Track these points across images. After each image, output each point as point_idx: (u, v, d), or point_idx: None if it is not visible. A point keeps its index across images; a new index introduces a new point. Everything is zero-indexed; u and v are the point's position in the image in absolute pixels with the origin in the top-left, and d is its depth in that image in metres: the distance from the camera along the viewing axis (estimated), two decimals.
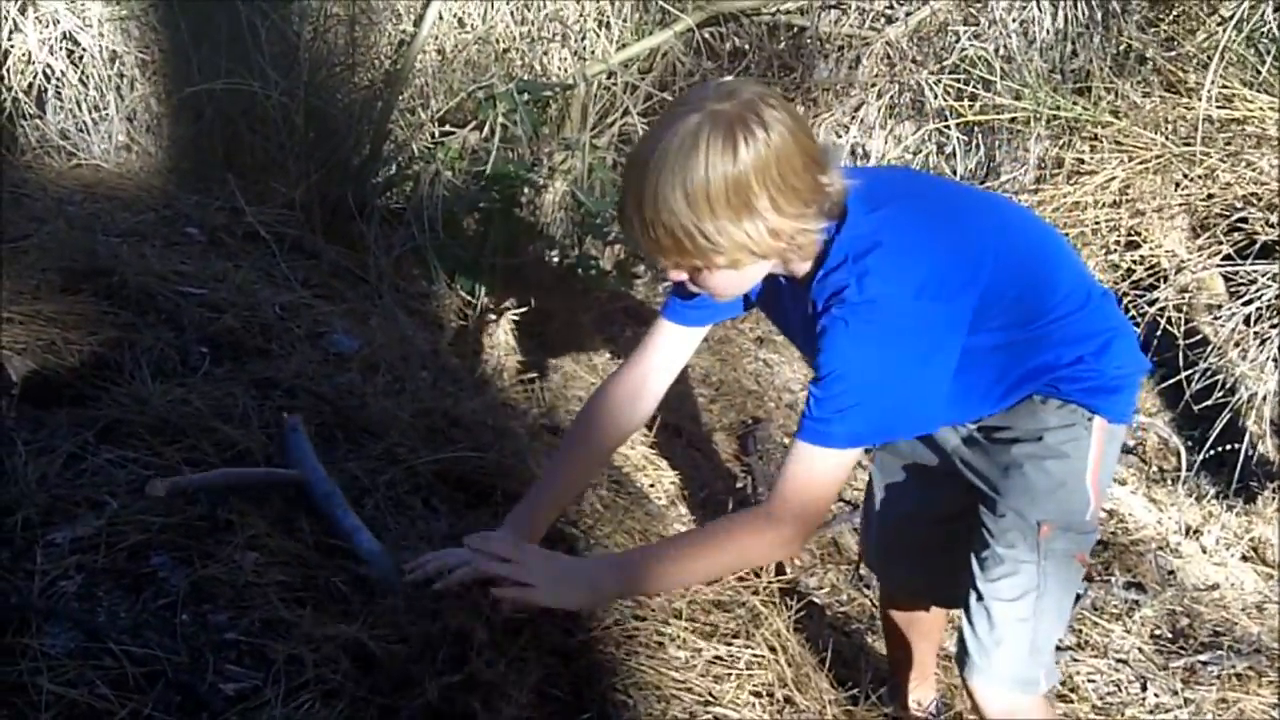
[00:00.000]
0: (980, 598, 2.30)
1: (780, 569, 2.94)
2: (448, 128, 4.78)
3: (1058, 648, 3.22)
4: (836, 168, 1.94)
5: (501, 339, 4.22)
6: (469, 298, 4.26)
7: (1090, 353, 2.18)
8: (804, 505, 1.99)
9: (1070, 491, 2.22)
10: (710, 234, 1.84)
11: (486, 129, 4.54)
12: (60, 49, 4.72)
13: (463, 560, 2.00)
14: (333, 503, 2.18)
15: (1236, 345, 5.03)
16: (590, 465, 2.45)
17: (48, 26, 4.68)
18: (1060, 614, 2.31)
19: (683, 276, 1.99)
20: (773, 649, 2.33)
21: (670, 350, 2.31)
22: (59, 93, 4.74)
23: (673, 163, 1.80)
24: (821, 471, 1.97)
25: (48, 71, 4.70)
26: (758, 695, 2.21)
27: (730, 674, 2.23)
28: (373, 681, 1.78)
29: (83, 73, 4.75)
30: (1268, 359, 4.79)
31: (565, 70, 5.27)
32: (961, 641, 2.36)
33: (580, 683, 2.01)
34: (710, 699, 2.13)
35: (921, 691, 2.97)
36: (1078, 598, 2.58)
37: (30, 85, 4.68)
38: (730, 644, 2.31)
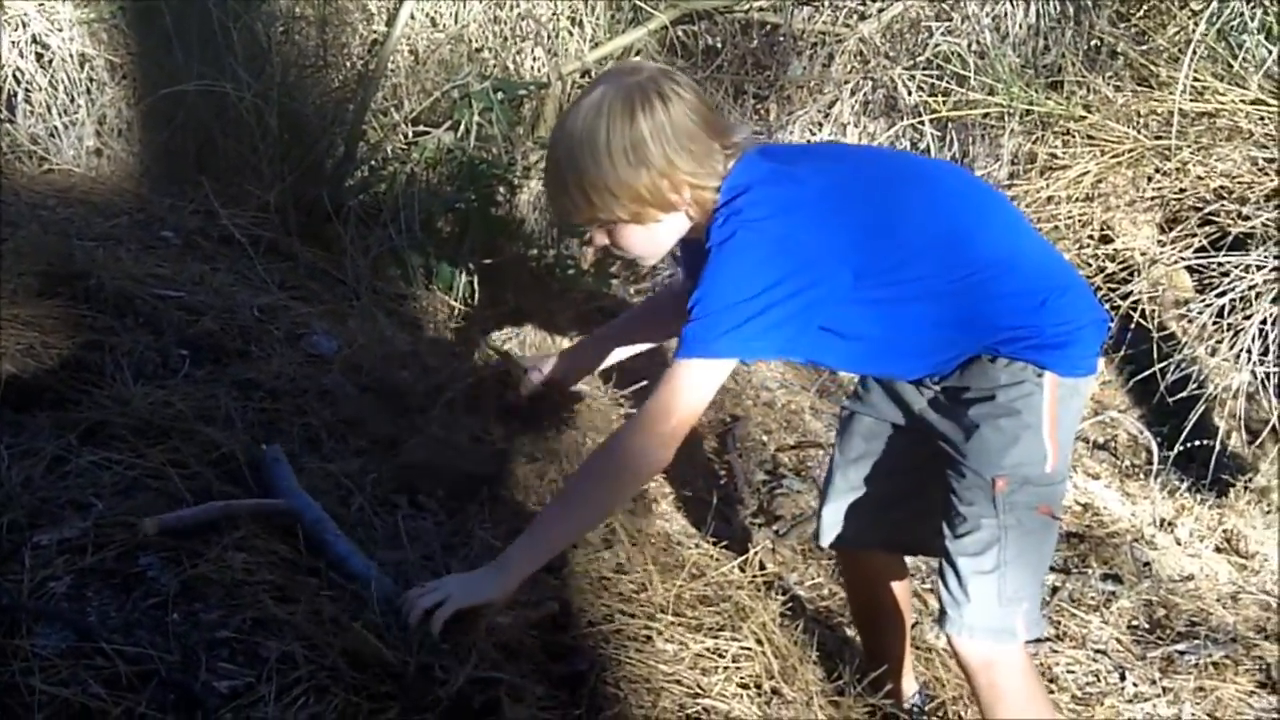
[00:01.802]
0: (948, 555, 2.38)
1: (763, 564, 2.96)
2: (422, 128, 4.76)
3: (1038, 640, 3.25)
4: (739, 140, 2.23)
5: (477, 338, 4.22)
6: (446, 298, 4.24)
7: (1028, 309, 2.26)
8: (665, 416, 2.15)
9: (1025, 446, 2.28)
10: (612, 186, 2.14)
11: (461, 129, 4.52)
12: (29, 52, 4.68)
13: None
14: (323, 528, 2.19)
15: (1207, 340, 5.07)
16: (627, 342, 2.94)
17: (17, 29, 4.64)
18: (1031, 565, 2.37)
19: (603, 240, 2.30)
20: (759, 642, 2.35)
21: None
22: (29, 97, 4.70)
23: (582, 129, 2.14)
24: (683, 383, 2.15)
25: (17, 75, 4.66)
26: (745, 687, 2.23)
27: (718, 666, 2.24)
28: (365, 678, 1.78)
29: (52, 76, 4.70)
30: (1241, 350, 4.81)
31: (539, 69, 5.26)
32: (939, 598, 2.44)
33: (571, 678, 2.02)
34: (699, 691, 2.15)
35: (904, 682, 2.98)
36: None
37: None
38: (717, 637, 2.32)
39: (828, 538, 2.75)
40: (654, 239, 2.28)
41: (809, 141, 5.81)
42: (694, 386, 2.15)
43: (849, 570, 3.00)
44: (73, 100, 4.73)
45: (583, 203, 2.20)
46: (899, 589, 2.90)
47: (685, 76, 2.23)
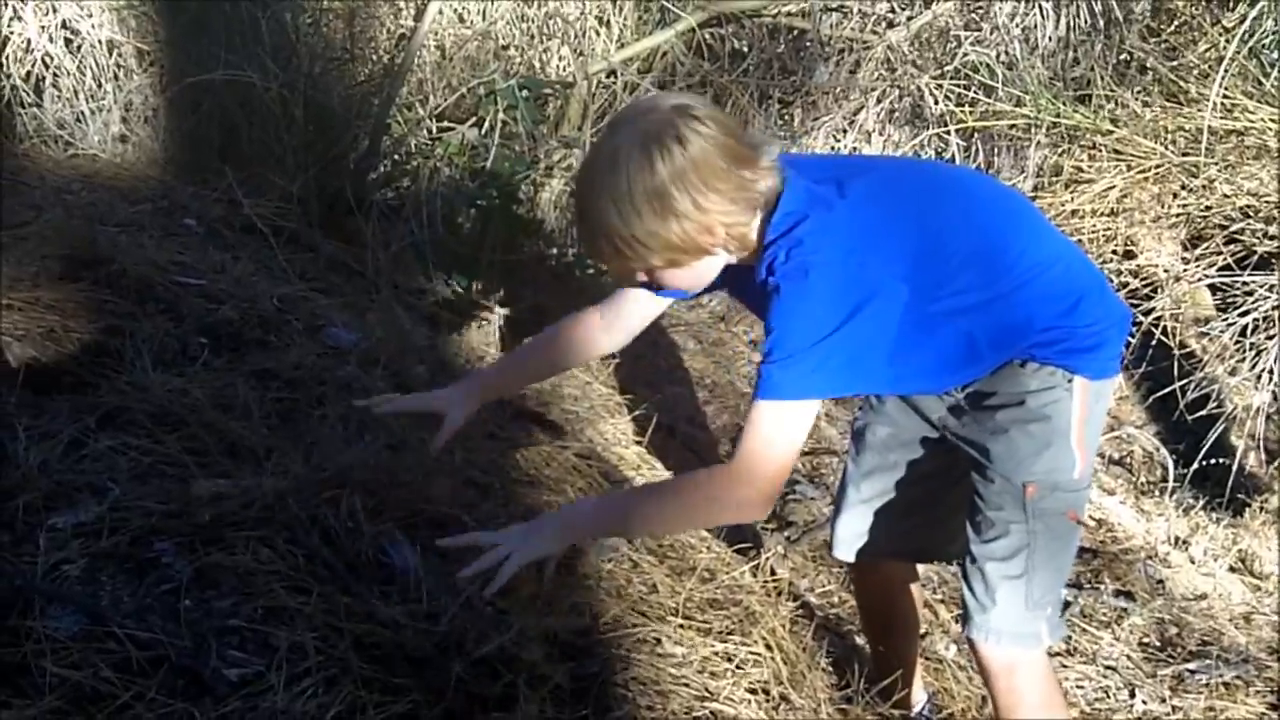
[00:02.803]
0: (975, 559, 2.37)
1: (774, 570, 2.95)
2: (446, 124, 4.77)
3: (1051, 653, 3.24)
4: (769, 162, 2.11)
5: (496, 335, 4.22)
6: (466, 293, 4.25)
7: (1060, 312, 2.24)
8: (765, 462, 2.08)
9: (1055, 452, 2.27)
10: (642, 238, 2.03)
11: (486, 125, 4.53)
12: (59, 37, 4.70)
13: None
14: None
15: (1227, 359, 5.04)
16: (547, 367, 2.73)
17: (47, 14, 4.66)
18: (1057, 569, 2.37)
19: (643, 278, 2.17)
20: (769, 647, 2.34)
21: (639, 308, 2.51)
22: (56, 82, 4.72)
23: (601, 181, 2.03)
24: (775, 426, 2.08)
25: (46, 60, 4.69)
26: (754, 692, 2.23)
27: (727, 671, 2.24)
28: (375, 669, 1.78)
29: (80, 62, 4.73)
30: (1263, 370, 4.79)
31: (565, 68, 5.27)
32: (963, 602, 2.43)
33: (580, 678, 2.02)
34: (707, 694, 2.14)
35: (914, 691, 2.97)
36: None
37: (29, 73, 4.67)
38: (726, 641, 2.32)
39: (842, 550, 2.74)
40: (695, 274, 2.16)
41: (833, 149, 5.80)
42: (785, 432, 2.08)
43: (861, 579, 2.99)
44: (100, 86, 4.76)
45: (612, 254, 2.09)
46: (909, 596, 2.90)
47: (704, 105, 2.11)
